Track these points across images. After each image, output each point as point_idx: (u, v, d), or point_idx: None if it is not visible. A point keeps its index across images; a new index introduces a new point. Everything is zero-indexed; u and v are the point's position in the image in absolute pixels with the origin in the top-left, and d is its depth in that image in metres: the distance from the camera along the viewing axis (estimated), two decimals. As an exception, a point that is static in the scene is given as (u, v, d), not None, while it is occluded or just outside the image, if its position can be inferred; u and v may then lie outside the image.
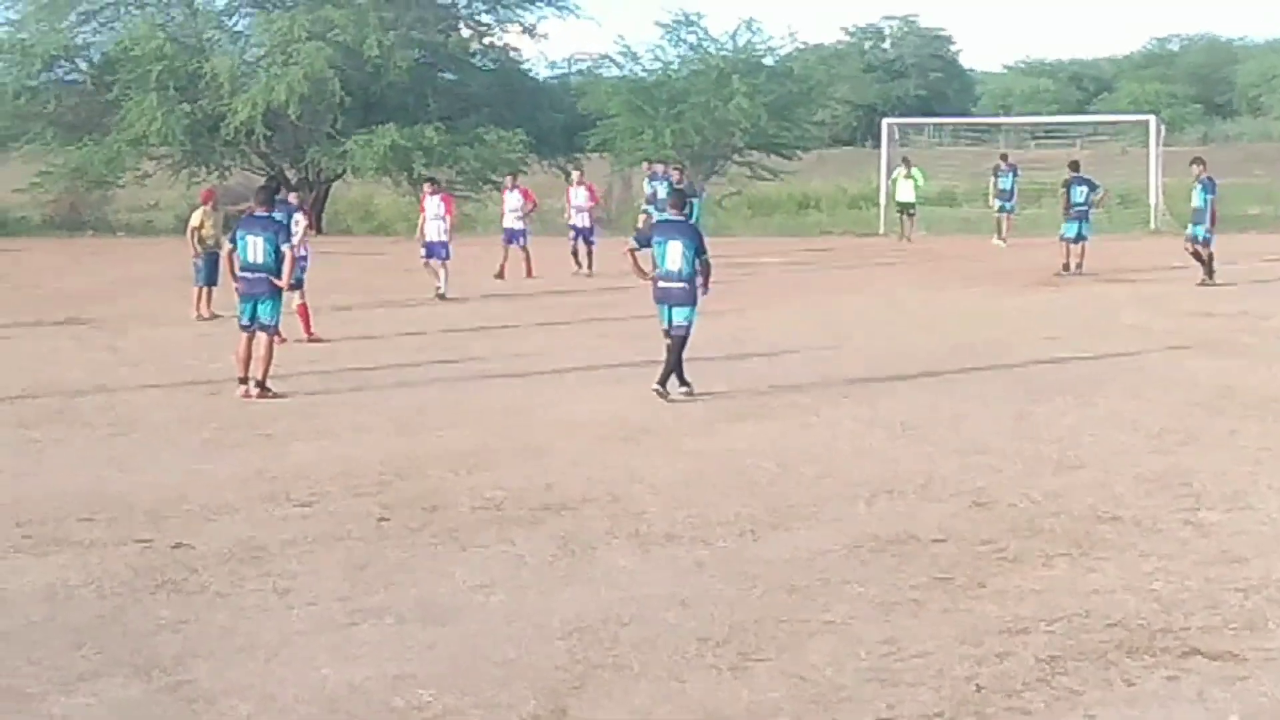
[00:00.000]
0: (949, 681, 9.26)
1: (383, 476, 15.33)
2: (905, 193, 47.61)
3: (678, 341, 19.61)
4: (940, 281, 33.23)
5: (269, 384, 20.31)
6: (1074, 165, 39.08)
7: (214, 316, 27.96)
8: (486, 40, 63.46)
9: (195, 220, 29.35)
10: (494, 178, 56.83)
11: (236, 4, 61.09)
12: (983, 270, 35.45)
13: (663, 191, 36.18)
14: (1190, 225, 32.90)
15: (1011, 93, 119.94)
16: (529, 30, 62.47)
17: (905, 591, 11.12)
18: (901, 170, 48.31)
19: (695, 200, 35.65)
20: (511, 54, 63.94)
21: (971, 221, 50.35)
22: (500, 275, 36.36)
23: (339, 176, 58.33)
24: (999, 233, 43.14)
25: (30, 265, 31.97)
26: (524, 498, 14.25)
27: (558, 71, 64.53)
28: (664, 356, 19.56)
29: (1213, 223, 32.29)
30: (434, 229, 32.48)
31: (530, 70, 64.31)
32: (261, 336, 20.31)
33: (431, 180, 35.18)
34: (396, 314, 29.83)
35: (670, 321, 19.65)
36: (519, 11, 61.93)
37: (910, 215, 47.71)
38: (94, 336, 27.04)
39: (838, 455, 16.02)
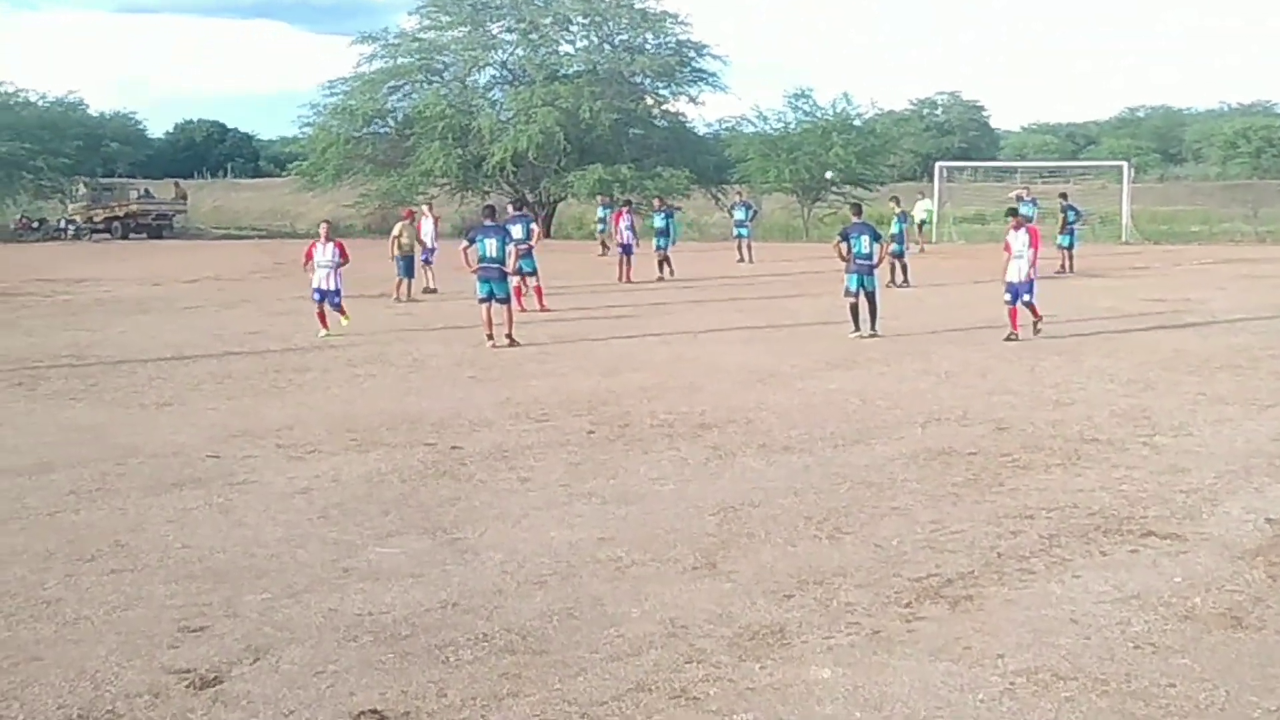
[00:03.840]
0: (978, 550, 9.17)
1: (591, 402, 15.38)
2: (920, 214, 46.86)
3: (871, 297, 21.15)
4: (969, 275, 32.72)
5: (515, 336, 20.56)
6: (1063, 195, 38.07)
7: (411, 301, 28.03)
8: (663, 107, 63.61)
9: (395, 231, 29.32)
10: (668, 201, 57.08)
11: (495, 82, 61.57)
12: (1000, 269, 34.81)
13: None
14: (894, 245, 30.85)
15: (1026, 145, 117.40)
16: (692, 100, 62.84)
17: (948, 488, 11.00)
18: (921, 199, 48.34)
19: (672, 220, 36.72)
20: (680, 116, 64.00)
21: (996, 234, 49.26)
22: (622, 279, 32.57)
23: (562, 199, 58.65)
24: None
25: (355, 258, 32.30)
26: (687, 419, 14.23)
27: (712, 129, 64.40)
28: (868, 311, 21.12)
29: (904, 242, 31.29)
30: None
31: (693, 127, 64.26)
32: (500, 307, 20.70)
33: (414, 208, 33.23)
34: (599, 294, 29.88)
35: (862, 286, 21.06)
36: (686, 87, 62.05)
37: (921, 230, 46.48)
38: (398, 305, 27.36)
39: (902, 394, 15.82)
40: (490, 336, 20.47)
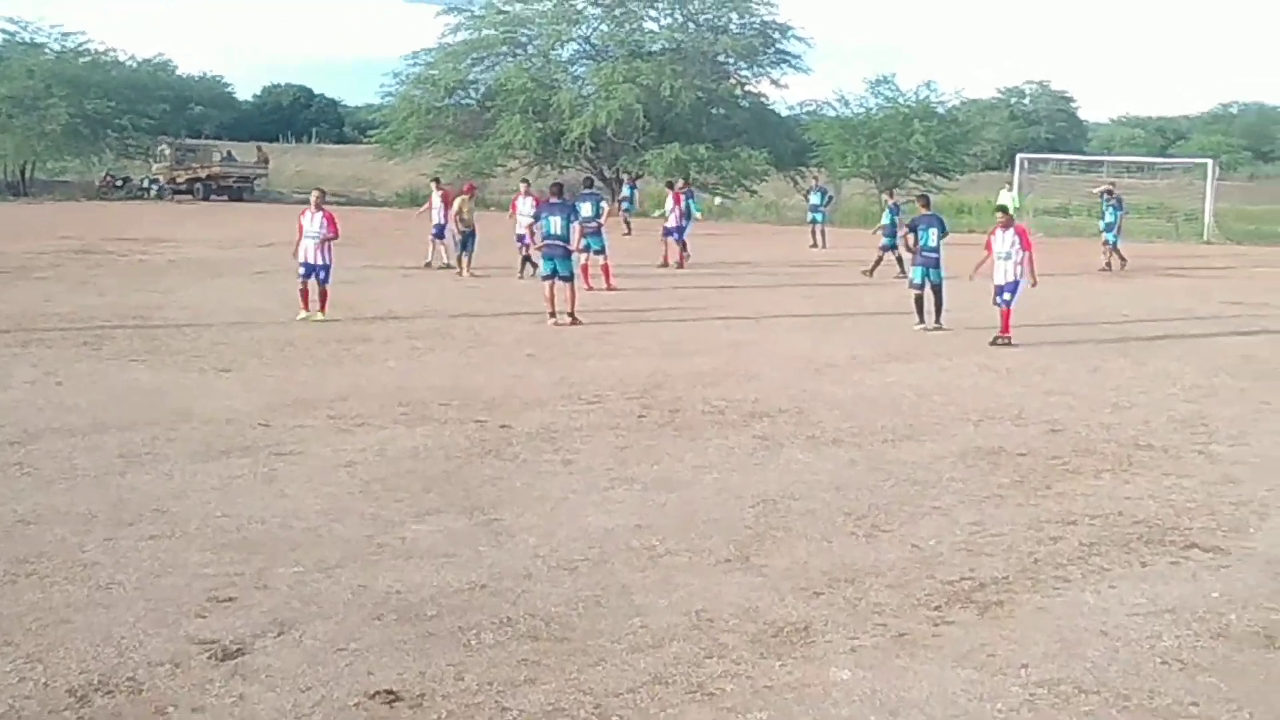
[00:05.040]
0: (1015, 555, 9.06)
1: (646, 385, 15.37)
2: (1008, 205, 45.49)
3: (937, 290, 20.92)
4: (1044, 270, 32.32)
5: (578, 315, 20.57)
6: (1108, 191, 36.97)
7: (473, 277, 27.85)
8: (746, 88, 63.49)
9: (456, 206, 28.81)
10: (744, 182, 57.01)
11: (577, 56, 61.76)
12: (1079, 264, 34.33)
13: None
14: (884, 237, 30.49)
15: (1114, 138, 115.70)
16: (775, 82, 62.93)
17: (993, 489, 10.89)
18: (1005, 189, 47.12)
19: (693, 201, 35.21)
20: (761, 98, 63.83)
21: (1079, 227, 48.69)
22: (664, 263, 31.46)
23: (640, 177, 58.66)
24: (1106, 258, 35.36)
25: (429, 226, 32.67)
26: (738, 407, 14.18)
27: (793, 111, 64.17)
28: (933, 304, 20.93)
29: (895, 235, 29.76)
30: (524, 223, 27.36)
31: (774, 109, 64.07)
32: (562, 285, 20.65)
33: (526, 181, 32.17)
34: (667, 275, 29.90)
35: (928, 278, 20.89)
36: (769, 69, 62.07)
37: None
38: (465, 279, 27.46)
39: (958, 389, 15.69)
40: (552, 314, 20.52)
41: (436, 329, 19.79)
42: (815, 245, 39.42)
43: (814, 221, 40.88)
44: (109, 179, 62.65)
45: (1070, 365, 17.86)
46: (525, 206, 28.24)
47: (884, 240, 30.43)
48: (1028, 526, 9.80)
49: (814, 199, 42.20)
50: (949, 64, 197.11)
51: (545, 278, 20.66)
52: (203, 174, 61.40)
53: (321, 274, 20.77)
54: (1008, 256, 19.60)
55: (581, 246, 22.40)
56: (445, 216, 30.06)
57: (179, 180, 61.11)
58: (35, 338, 17.99)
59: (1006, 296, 19.51)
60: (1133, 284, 30.72)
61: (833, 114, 59.98)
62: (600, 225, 25.85)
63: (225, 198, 60.50)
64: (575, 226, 21.15)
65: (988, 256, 19.98)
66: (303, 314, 20.53)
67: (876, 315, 22.86)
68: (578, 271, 22.09)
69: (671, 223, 32.34)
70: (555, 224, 20.62)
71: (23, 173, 62.41)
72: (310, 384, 15.03)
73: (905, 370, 17.12)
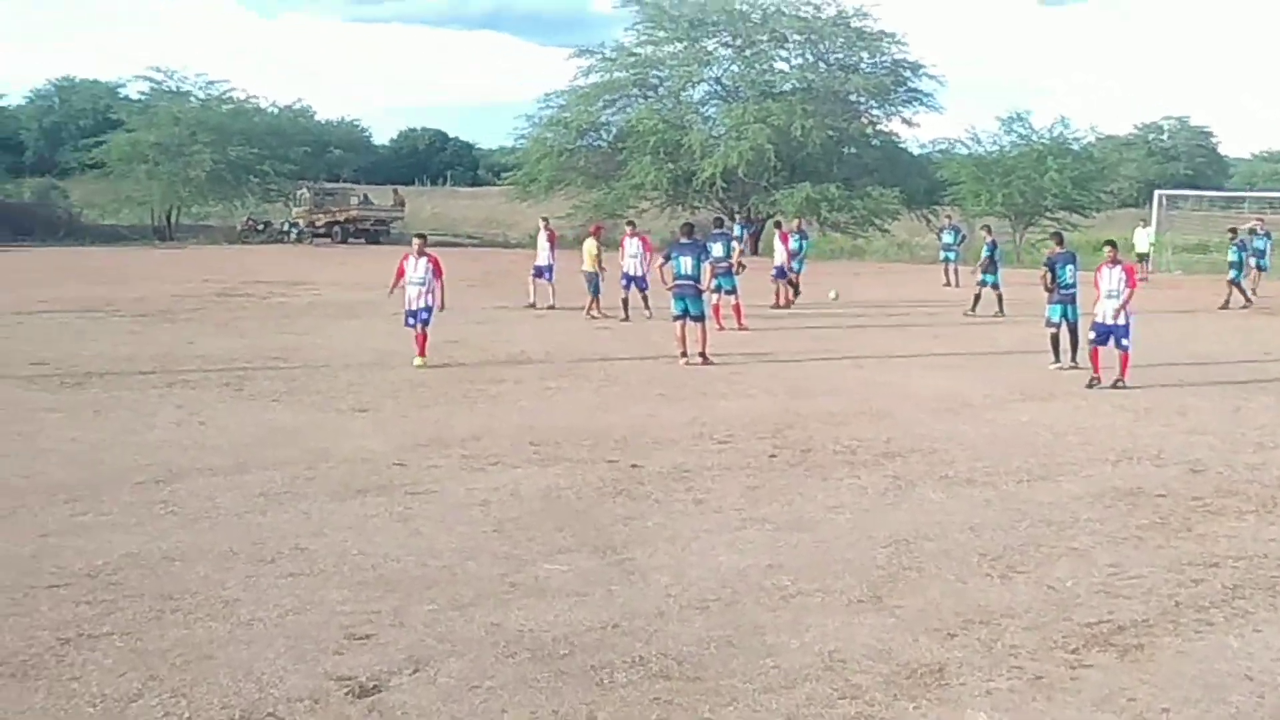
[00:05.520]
0: (1156, 598, 8.90)
1: (777, 425, 15.32)
2: (1141, 243, 44.93)
3: (1073, 328, 20.50)
4: (1181, 307, 31.77)
5: (709, 355, 20.59)
6: (1233, 230, 36.14)
7: (604, 317, 27.55)
8: (877, 126, 63.10)
9: (589, 248, 28.60)
10: (876, 221, 56.73)
11: (708, 97, 61.89)
12: (1219, 302, 33.64)
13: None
14: (981, 274, 30.32)
15: (1256, 173, 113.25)
16: (907, 120, 62.17)
17: (1131, 530, 10.70)
18: (1141, 226, 46.31)
19: (806, 240, 35.26)
20: (893, 137, 63.40)
21: (1218, 265, 47.67)
22: (784, 305, 31.10)
23: (770, 217, 58.52)
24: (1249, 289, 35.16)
25: (567, 268, 32.76)
26: (870, 447, 14.09)
27: (925, 149, 63.66)
28: (1069, 343, 20.49)
29: (996, 271, 30.31)
30: (631, 264, 28.00)
31: (905, 147, 63.58)
32: (694, 325, 20.74)
33: (631, 223, 31.74)
34: (797, 315, 29.78)
35: (1065, 316, 20.53)
36: (900, 107, 61.50)
37: (1142, 261, 44.28)
38: (597, 320, 27.57)
39: (1095, 429, 15.44)
40: (684, 354, 20.57)
41: (568, 370, 19.91)
42: (948, 284, 39.04)
43: (947, 260, 40.56)
44: (250, 223, 63.93)
45: (1211, 404, 17.49)
46: (632, 247, 28.20)
47: (981, 276, 30.25)
48: (1168, 569, 9.61)
49: (946, 238, 41.92)
50: (1084, 100, 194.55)
51: (676, 318, 20.73)
52: (341, 217, 62.38)
53: (424, 315, 20.17)
54: (1112, 295, 19.00)
55: (713, 286, 22.46)
56: (551, 256, 30.25)
57: (318, 224, 62.16)
58: (179, 379, 18.41)
59: (1125, 343, 18.90)
60: (1275, 321, 29.99)
61: (965, 152, 59.35)
62: (731, 265, 25.91)
63: (363, 240, 61.39)
64: (706, 266, 21.28)
65: (1098, 295, 19.37)
66: (418, 360, 20.04)
67: (1010, 354, 22.58)
68: (709, 311, 22.12)
69: (780, 263, 32.10)
70: (686, 264, 20.69)
71: (168, 218, 63.88)
72: (444, 423, 15.22)
73: (1040, 409, 16.88)
